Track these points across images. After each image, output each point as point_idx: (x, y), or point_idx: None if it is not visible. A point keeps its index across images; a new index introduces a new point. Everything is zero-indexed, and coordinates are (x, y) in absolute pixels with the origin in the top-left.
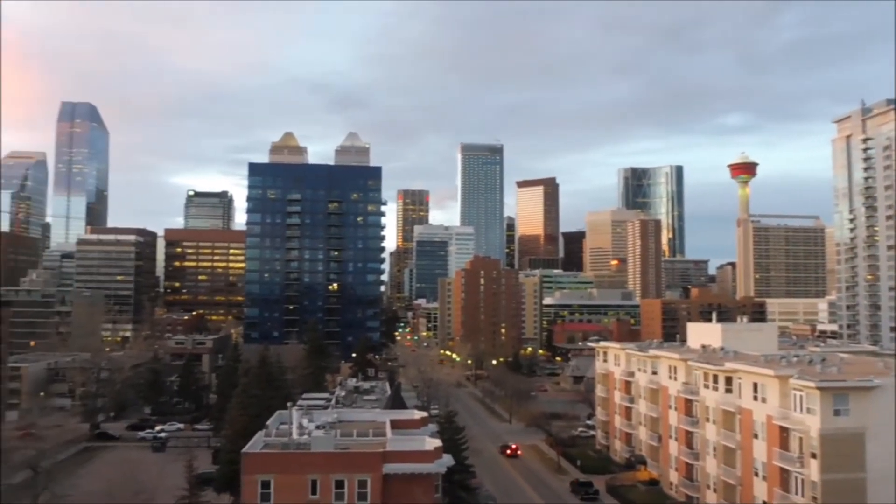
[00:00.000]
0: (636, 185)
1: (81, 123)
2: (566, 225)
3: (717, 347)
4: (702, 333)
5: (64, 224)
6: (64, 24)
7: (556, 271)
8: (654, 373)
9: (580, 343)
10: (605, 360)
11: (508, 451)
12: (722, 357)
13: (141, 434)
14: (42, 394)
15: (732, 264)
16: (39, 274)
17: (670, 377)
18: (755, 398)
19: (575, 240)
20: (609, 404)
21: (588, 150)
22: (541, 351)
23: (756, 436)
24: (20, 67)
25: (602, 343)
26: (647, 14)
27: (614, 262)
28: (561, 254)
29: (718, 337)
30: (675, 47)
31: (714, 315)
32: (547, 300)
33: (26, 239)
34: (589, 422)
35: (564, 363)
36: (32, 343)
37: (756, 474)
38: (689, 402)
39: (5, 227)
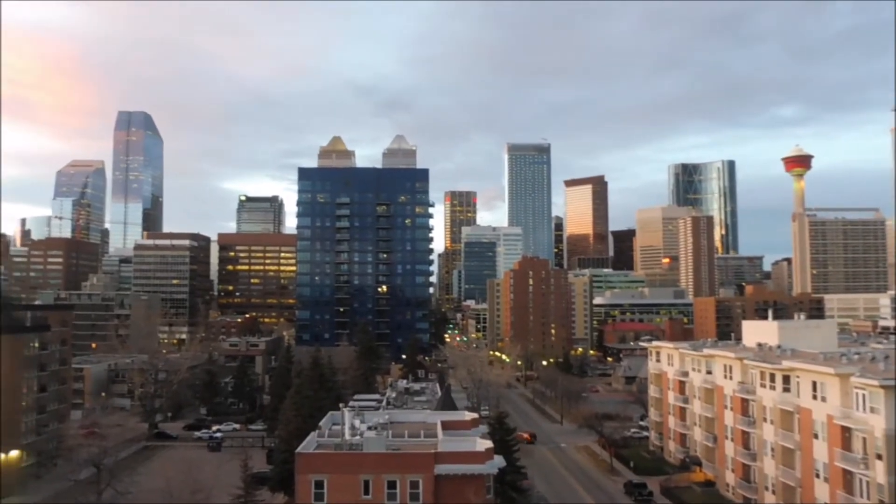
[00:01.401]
0: (687, 181)
1: (137, 132)
2: (615, 223)
3: (773, 345)
4: (757, 331)
5: (122, 230)
6: (120, 35)
7: (605, 270)
8: (709, 372)
9: (632, 343)
10: (657, 360)
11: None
12: (779, 355)
13: (197, 434)
14: (104, 394)
15: (788, 260)
16: (99, 278)
17: (725, 376)
18: (815, 397)
19: (625, 238)
20: (662, 405)
21: (637, 147)
22: (591, 351)
23: (816, 436)
24: (80, 79)
25: (654, 343)
26: (694, 6)
27: (666, 260)
28: (611, 252)
29: (775, 335)
30: (724, 39)
31: (770, 312)
32: (597, 300)
33: (87, 244)
34: (642, 423)
35: (616, 363)
36: (94, 345)
37: (817, 476)
38: (745, 402)
39: (67, 234)
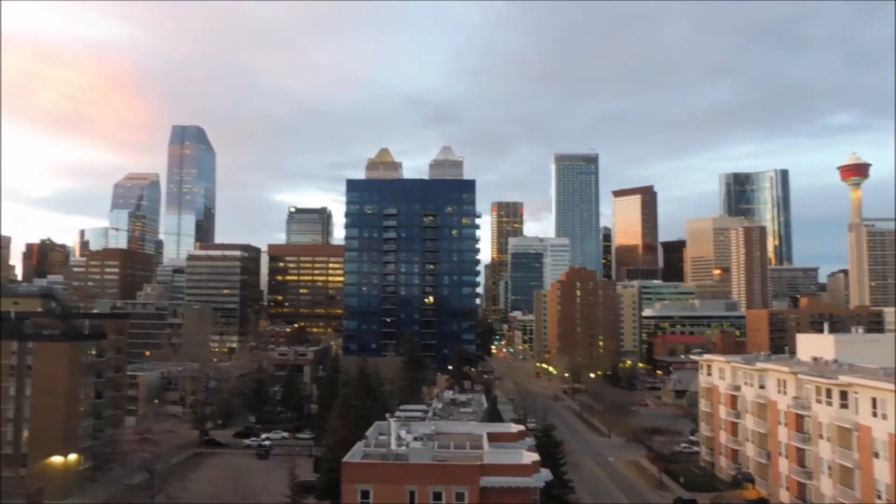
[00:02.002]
0: (739, 190)
1: (191, 145)
2: (665, 234)
3: (829, 360)
4: (813, 345)
5: (175, 241)
6: (176, 52)
7: (655, 282)
8: (762, 387)
9: (682, 356)
10: (708, 374)
11: None
12: (836, 370)
13: (246, 441)
14: (156, 401)
15: (845, 272)
16: (153, 288)
17: (779, 391)
18: (874, 414)
19: (675, 249)
20: (714, 419)
21: (687, 157)
22: (640, 364)
23: (877, 455)
24: (137, 94)
25: (705, 356)
26: (744, 13)
27: (717, 272)
28: (660, 264)
29: (831, 349)
30: (777, 46)
31: (826, 326)
32: (646, 311)
33: (142, 255)
34: (692, 437)
35: (666, 377)
36: (148, 353)
37: (878, 497)
38: (800, 418)
39: (123, 245)
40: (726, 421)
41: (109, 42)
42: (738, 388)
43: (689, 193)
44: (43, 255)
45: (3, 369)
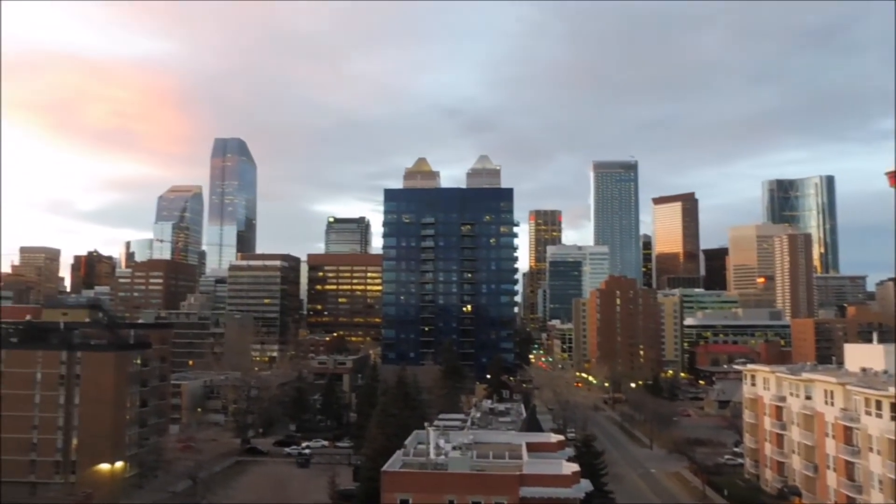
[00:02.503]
0: (783, 197)
1: (232, 157)
2: (707, 241)
3: (879, 371)
4: (861, 355)
5: (217, 251)
6: (218, 67)
7: (697, 290)
8: (808, 398)
9: (725, 366)
10: (752, 384)
11: None
12: (885, 381)
13: (287, 450)
14: (199, 409)
15: (895, 280)
16: (196, 298)
17: (827, 402)
18: None
19: (717, 257)
20: (758, 431)
21: (729, 163)
22: (682, 374)
23: None
24: (180, 109)
25: (749, 366)
26: (787, 16)
27: (761, 280)
28: (702, 272)
29: (881, 359)
30: (822, 49)
31: (875, 335)
32: (688, 320)
33: (185, 266)
34: (736, 449)
35: (708, 387)
36: (191, 362)
37: None
38: (848, 430)
39: (167, 256)
40: (771, 432)
41: (154, 58)
42: (783, 399)
43: (732, 200)
44: (90, 267)
45: (53, 378)
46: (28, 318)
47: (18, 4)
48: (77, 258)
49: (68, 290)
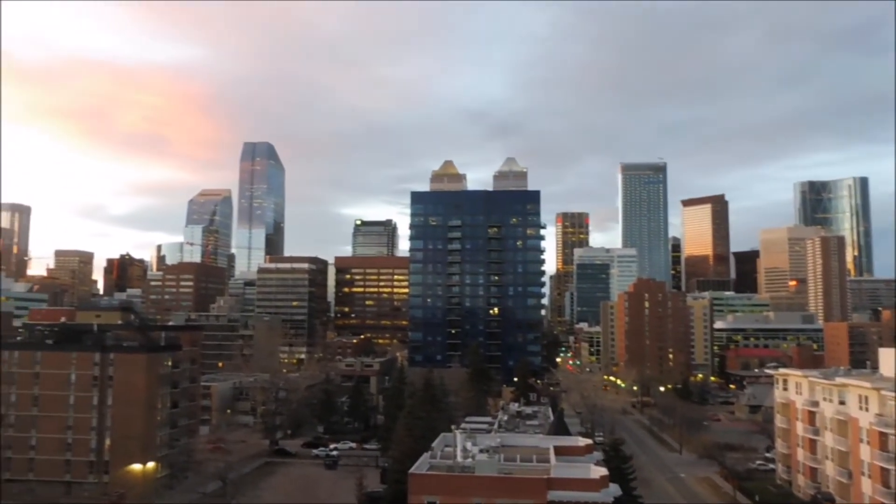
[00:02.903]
0: (815, 199)
1: (261, 161)
2: (737, 244)
3: None
4: None
5: (246, 254)
6: (247, 73)
7: (727, 293)
8: (842, 403)
9: (756, 370)
10: (784, 389)
11: None
12: None
13: (315, 451)
14: (229, 411)
15: None
16: (226, 300)
17: (861, 408)
18: None
19: (747, 260)
20: (790, 436)
21: (759, 165)
22: (712, 378)
23: None
24: (210, 114)
25: (781, 370)
26: (817, 17)
27: (793, 283)
28: (732, 275)
29: None
30: (854, 50)
31: None
32: (718, 324)
33: (215, 269)
34: (768, 454)
35: (739, 391)
36: (220, 364)
37: None
38: (884, 436)
39: (197, 259)
40: (804, 438)
41: (185, 64)
42: (816, 404)
43: (763, 203)
44: (122, 270)
45: (87, 379)
46: (63, 320)
47: (51, 13)
48: (110, 261)
49: (101, 292)
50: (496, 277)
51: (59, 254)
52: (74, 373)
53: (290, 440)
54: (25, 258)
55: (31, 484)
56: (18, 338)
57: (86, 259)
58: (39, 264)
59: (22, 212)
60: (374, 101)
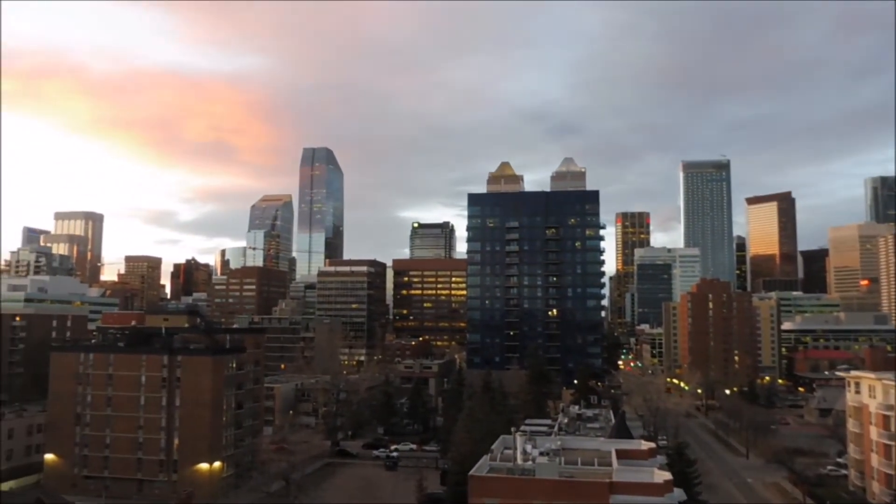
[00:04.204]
0: (888, 195)
1: (320, 166)
2: (805, 243)
3: None
4: None
5: (307, 258)
6: (306, 79)
7: (795, 293)
8: None
9: (826, 372)
10: (857, 392)
11: None
12: None
13: (375, 452)
14: (291, 412)
15: None
16: (287, 303)
17: None
18: None
19: (816, 259)
20: (864, 441)
21: (828, 161)
22: (780, 380)
23: None
24: (272, 121)
25: (853, 372)
26: (888, 9)
27: (864, 283)
28: (800, 274)
29: None
30: None
31: None
32: (786, 325)
33: (277, 272)
34: (839, 460)
35: (808, 394)
36: (283, 366)
37: None
38: None
39: (260, 263)
40: (878, 443)
41: (248, 73)
42: (891, 408)
43: (832, 200)
44: (188, 275)
45: (156, 381)
46: (133, 323)
47: (119, 28)
48: (176, 266)
49: (169, 296)
50: (555, 279)
51: (129, 260)
52: (144, 374)
53: (351, 441)
54: (98, 264)
55: (106, 481)
56: (93, 340)
57: (154, 264)
58: (111, 270)
59: (95, 220)
60: (431, 104)
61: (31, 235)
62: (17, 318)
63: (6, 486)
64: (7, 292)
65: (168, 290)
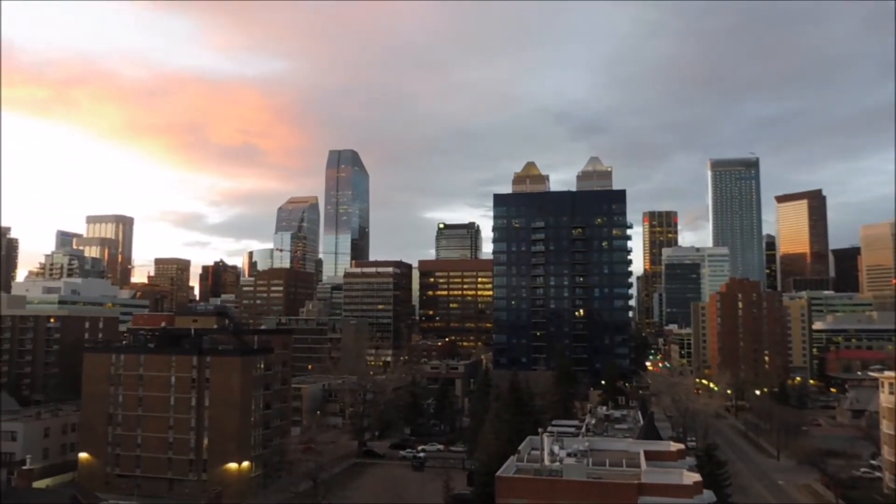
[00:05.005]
0: None
1: (346, 168)
2: (836, 241)
3: None
4: None
5: (333, 259)
6: (332, 82)
7: (826, 292)
8: None
9: (859, 372)
10: (890, 392)
11: None
12: None
13: (402, 453)
14: (318, 412)
15: None
16: (314, 304)
17: None
18: None
19: (848, 257)
20: None
21: (859, 158)
22: (811, 381)
23: None
24: (298, 124)
25: (887, 372)
26: None
27: None
28: (832, 273)
29: None
30: None
31: None
32: (817, 325)
33: (304, 274)
34: (873, 462)
35: (840, 395)
36: (310, 366)
37: None
38: None
39: (287, 264)
40: None
41: (274, 77)
42: None
43: (863, 197)
44: (217, 276)
45: (186, 381)
46: (163, 324)
47: (148, 34)
48: (205, 268)
49: (197, 298)
50: (581, 279)
51: (158, 262)
52: (174, 375)
53: (377, 441)
54: (129, 267)
55: (137, 479)
56: (124, 341)
57: (183, 266)
58: (141, 272)
59: (126, 223)
60: (455, 104)
61: (64, 239)
62: (52, 320)
63: (43, 483)
64: (42, 294)
65: (197, 291)
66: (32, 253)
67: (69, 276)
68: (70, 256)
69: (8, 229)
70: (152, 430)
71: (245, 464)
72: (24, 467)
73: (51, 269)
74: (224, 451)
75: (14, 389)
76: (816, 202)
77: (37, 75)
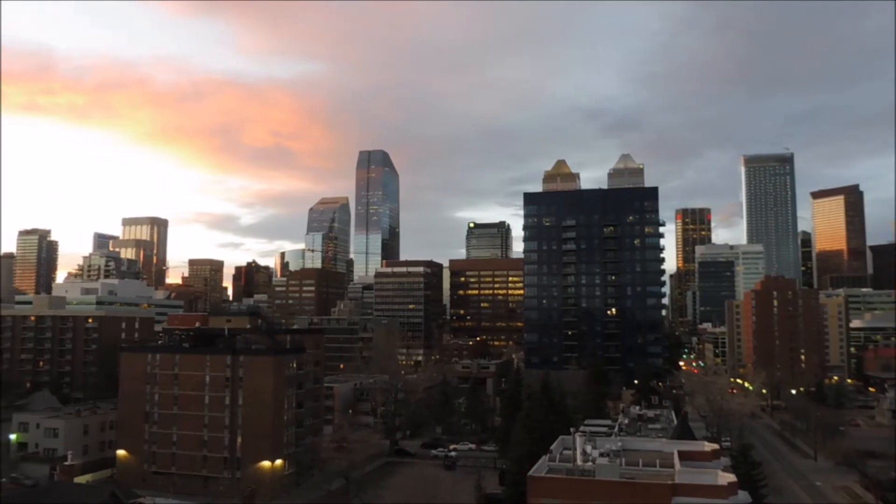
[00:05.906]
0: None
1: (376, 169)
2: (874, 237)
3: None
4: None
5: (364, 259)
6: (362, 84)
7: (864, 290)
8: None
9: None
10: None
11: None
12: None
13: (434, 452)
14: (350, 411)
15: None
16: (345, 304)
17: None
18: None
19: (886, 254)
20: None
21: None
22: (849, 380)
23: None
24: (329, 125)
25: None
26: None
27: None
28: (869, 270)
29: None
30: None
31: None
32: (855, 323)
33: (335, 274)
34: None
35: (879, 394)
36: (342, 366)
37: None
38: None
39: (318, 264)
40: None
41: (303, 79)
42: None
43: None
44: (249, 277)
45: (220, 380)
46: (197, 325)
47: (184, 40)
48: (238, 269)
49: (231, 298)
50: (613, 277)
51: (192, 263)
52: (209, 374)
53: (409, 440)
54: (164, 268)
55: (173, 477)
56: (160, 341)
57: (216, 267)
58: (176, 273)
59: (160, 225)
60: (486, 104)
61: (100, 241)
62: (90, 320)
63: (83, 479)
64: (80, 295)
65: (230, 292)
66: (71, 255)
67: (106, 277)
68: (107, 258)
69: (48, 232)
70: (187, 428)
71: (278, 462)
72: (66, 463)
73: (89, 271)
74: (257, 450)
75: (55, 388)
76: (853, 198)
77: (75, 82)
